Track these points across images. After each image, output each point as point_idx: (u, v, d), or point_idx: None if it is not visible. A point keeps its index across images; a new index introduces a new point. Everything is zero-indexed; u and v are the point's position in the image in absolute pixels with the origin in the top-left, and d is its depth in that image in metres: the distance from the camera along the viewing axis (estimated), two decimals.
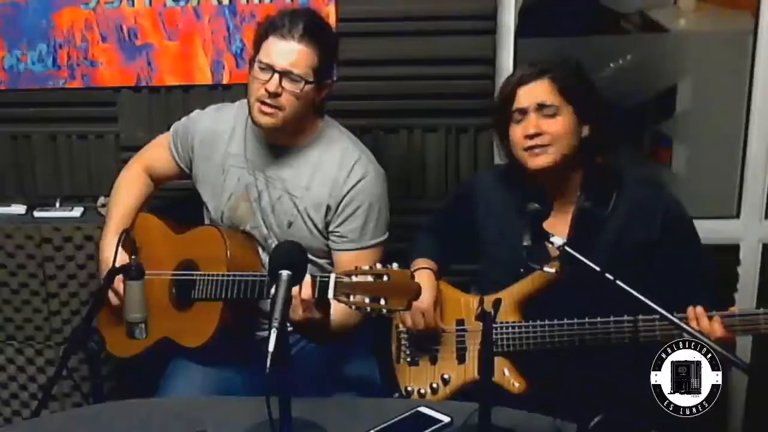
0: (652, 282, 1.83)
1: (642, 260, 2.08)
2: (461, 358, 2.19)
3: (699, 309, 1.94)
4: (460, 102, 2.71)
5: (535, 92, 2.09)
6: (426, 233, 2.40)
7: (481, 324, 1.88)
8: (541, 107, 2.08)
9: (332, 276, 1.85)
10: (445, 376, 2.19)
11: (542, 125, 2.08)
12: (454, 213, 2.36)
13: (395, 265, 1.83)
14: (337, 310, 1.94)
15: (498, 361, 2.07)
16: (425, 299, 2.13)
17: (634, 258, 2.07)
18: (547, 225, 1.94)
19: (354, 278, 1.82)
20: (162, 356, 2.33)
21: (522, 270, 2.13)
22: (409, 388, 2.22)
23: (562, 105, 2.09)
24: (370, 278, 1.80)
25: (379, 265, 1.83)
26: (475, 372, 2.10)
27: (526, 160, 2.12)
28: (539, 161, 2.10)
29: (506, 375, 2.11)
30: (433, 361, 2.22)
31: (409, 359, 2.25)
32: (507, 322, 2.12)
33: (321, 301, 1.88)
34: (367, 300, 1.79)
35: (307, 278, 1.84)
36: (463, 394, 2.15)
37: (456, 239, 2.32)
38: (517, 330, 2.12)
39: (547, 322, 2.09)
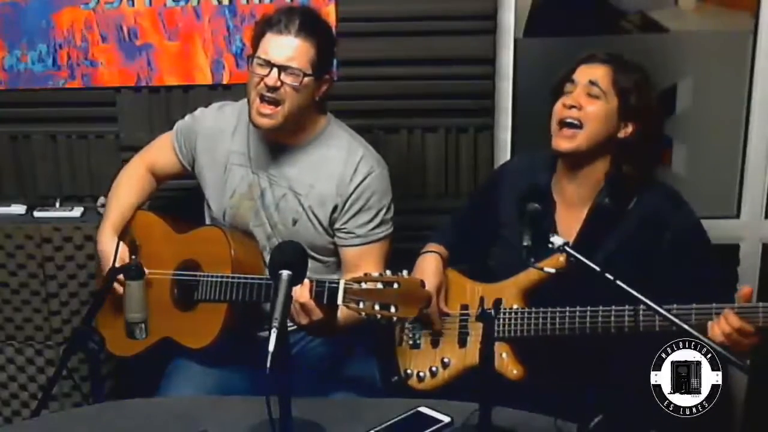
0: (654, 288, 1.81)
1: (644, 268, 2.06)
2: (462, 342, 2.21)
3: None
4: (460, 102, 2.72)
5: (592, 71, 2.12)
6: (452, 219, 2.45)
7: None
8: (591, 84, 2.10)
9: (341, 282, 1.85)
10: (445, 360, 2.20)
11: (583, 101, 2.10)
12: (476, 203, 2.41)
13: (405, 273, 1.84)
14: (344, 308, 1.94)
15: (498, 345, 2.09)
16: (429, 284, 2.13)
17: (637, 264, 2.04)
18: (560, 217, 2.05)
19: (364, 285, 1.82)
20: (162, 356, 2.32)
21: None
22: (408, 371, 2.24)
23: (610, 94, 2.10)
24: (380, 285, 1.81)
25: (389, 272, 1.84)
26: (475, 357, 2.10)
27: (555, 138, 2.13)
28: (566, 144, 2.11)
29: (504, 359, 2.12)
30: (435, 344, 2.24)
31: (411, 342, 2.27)
32: (509, 308, 2.14)
33: (329, 304, 1.89)
34: (377, 307, 1.80)
35: (305, 282, 1.84)
36: (460, 383, 2.17)
37: (475, 230, 2.35)
38: (518, 316, 2.12)
39: (549, 309, 2.09)
